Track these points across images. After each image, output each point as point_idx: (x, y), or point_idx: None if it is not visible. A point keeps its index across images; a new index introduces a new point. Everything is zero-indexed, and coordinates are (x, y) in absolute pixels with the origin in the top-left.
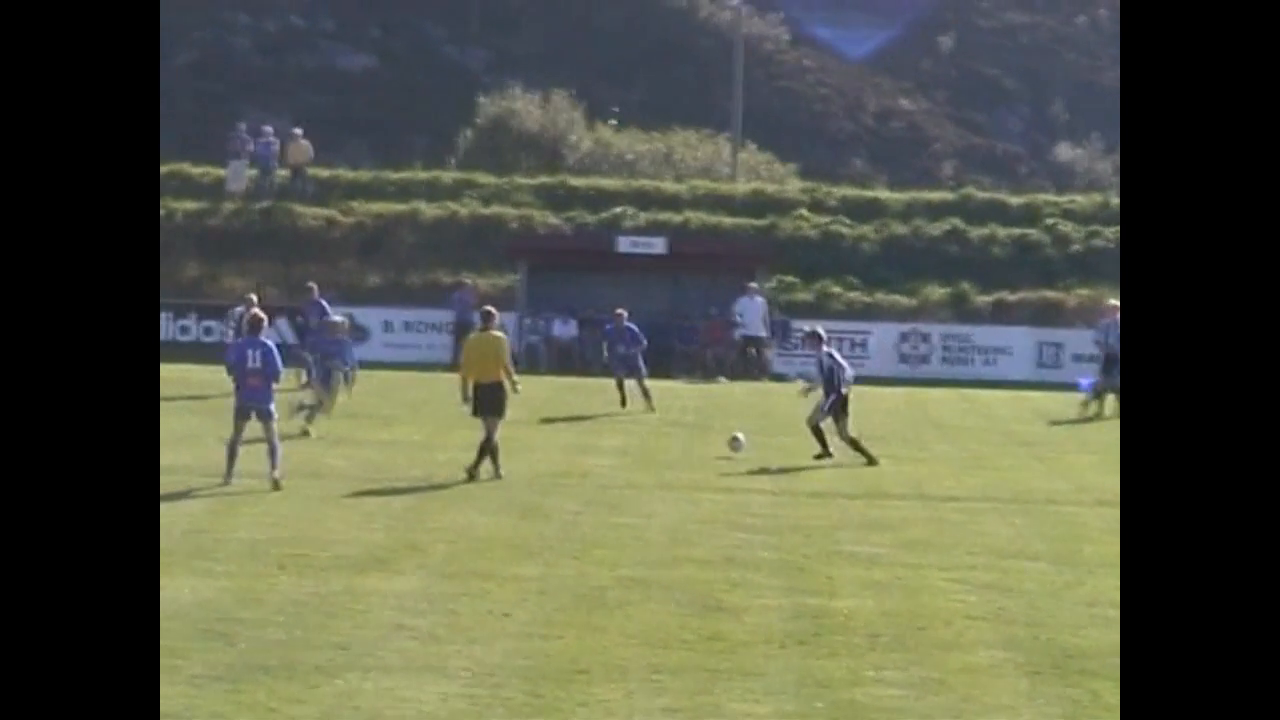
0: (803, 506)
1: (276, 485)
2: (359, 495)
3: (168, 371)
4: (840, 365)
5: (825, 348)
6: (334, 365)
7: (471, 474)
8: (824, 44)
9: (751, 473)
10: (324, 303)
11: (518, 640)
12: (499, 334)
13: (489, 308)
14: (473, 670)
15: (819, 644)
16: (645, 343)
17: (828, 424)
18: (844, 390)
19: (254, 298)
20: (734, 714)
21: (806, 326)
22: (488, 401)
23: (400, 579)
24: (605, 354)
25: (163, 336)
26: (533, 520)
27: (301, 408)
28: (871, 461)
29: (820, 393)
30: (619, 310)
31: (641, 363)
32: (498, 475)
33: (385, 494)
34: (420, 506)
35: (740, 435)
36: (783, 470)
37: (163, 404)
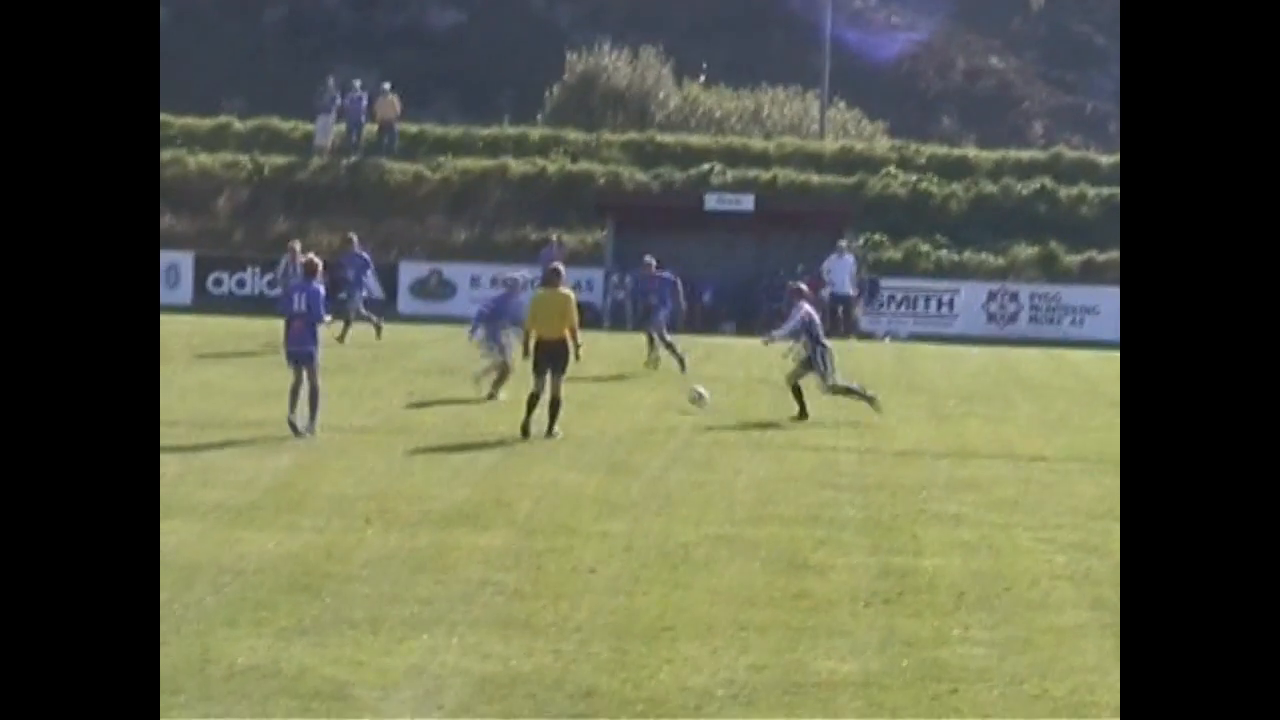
0: (889, 465)
1: (310, 433)
2: (446, 451)
3: (255, 326)
4: (814, 320)
5: (805, 305)
6: (503, 325)
7: (525, 430)
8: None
9: (838, 431)
10: (365, 254)
11: (603, 596)
12: (567, 291)
13: (557, 264)
14: (558, 626)
15: (904, 603)
16: (679, 301)
17: (808, 381)
18: (825, 342)
19: (298, 245)
20: (819, 671)
21: (792, 282)
22: (550, 358)
23: (487, 534)
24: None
25: (250, 292)
26: (619, 476)
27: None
28: (872, 403)
29: (802, 350)
30: (647, 259)
31: (662, 317)
32: (550, 433)
33: (472, 449)
34: (507, 462)
35: (702, 389)
36: (870, 428)
37: (252, 359)
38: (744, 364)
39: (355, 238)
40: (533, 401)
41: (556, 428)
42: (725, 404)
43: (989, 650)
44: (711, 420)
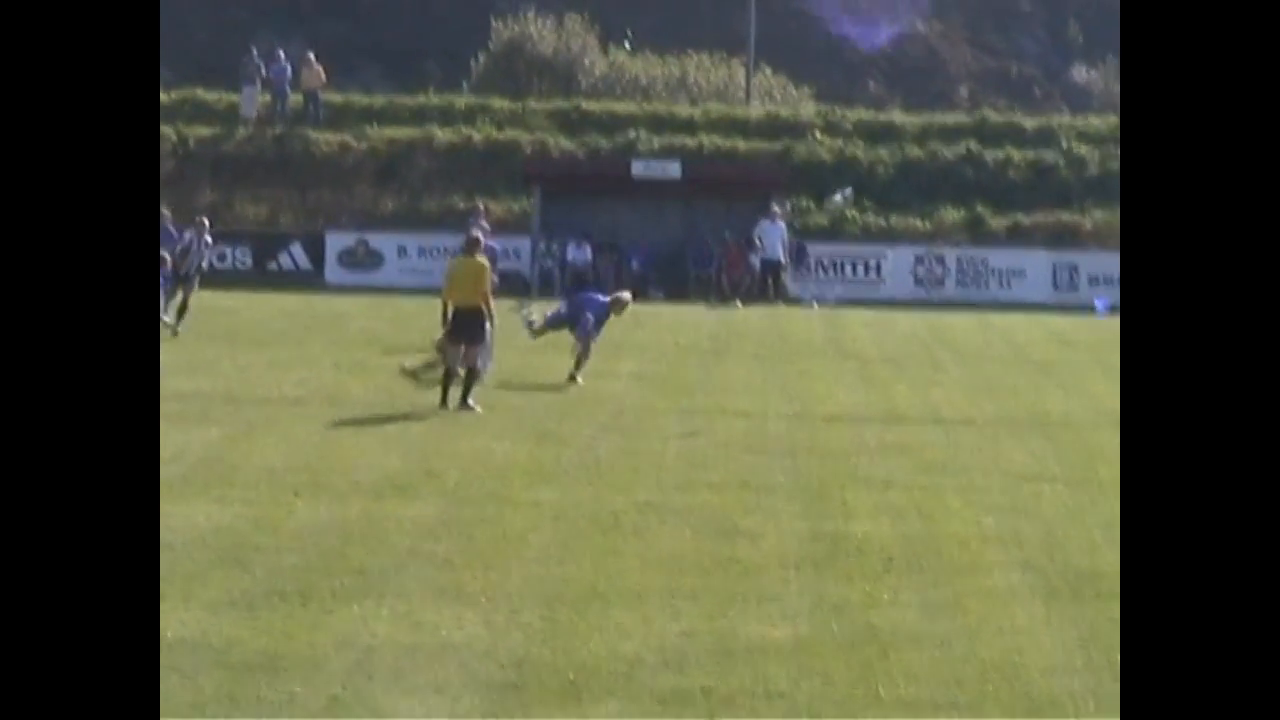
0: (819, 430)
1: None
2: (376, 422)
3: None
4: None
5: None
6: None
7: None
8: None
9: (767, 396)
10: (173, 228)
11: (534, 565)
12: (482, 260)
13: (476, 233)
14: (489, 595)
15: (835, 567)
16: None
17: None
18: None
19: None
20: (750, 637)
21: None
22: (464, 327)
23: (417, 504)
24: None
25: None
26: (549, 445)
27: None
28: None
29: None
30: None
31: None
32: (464, 404)
33: (402, 420)
34: (437, 432)
35: (531, 313)
36: (798, 394)
37: (177, 333)
38: (673, 331)
39: (168, 212)
40: (448, 377)
41: (471, 400)
42: (654, 371)
43: (919, 614)
44: (640, 388)
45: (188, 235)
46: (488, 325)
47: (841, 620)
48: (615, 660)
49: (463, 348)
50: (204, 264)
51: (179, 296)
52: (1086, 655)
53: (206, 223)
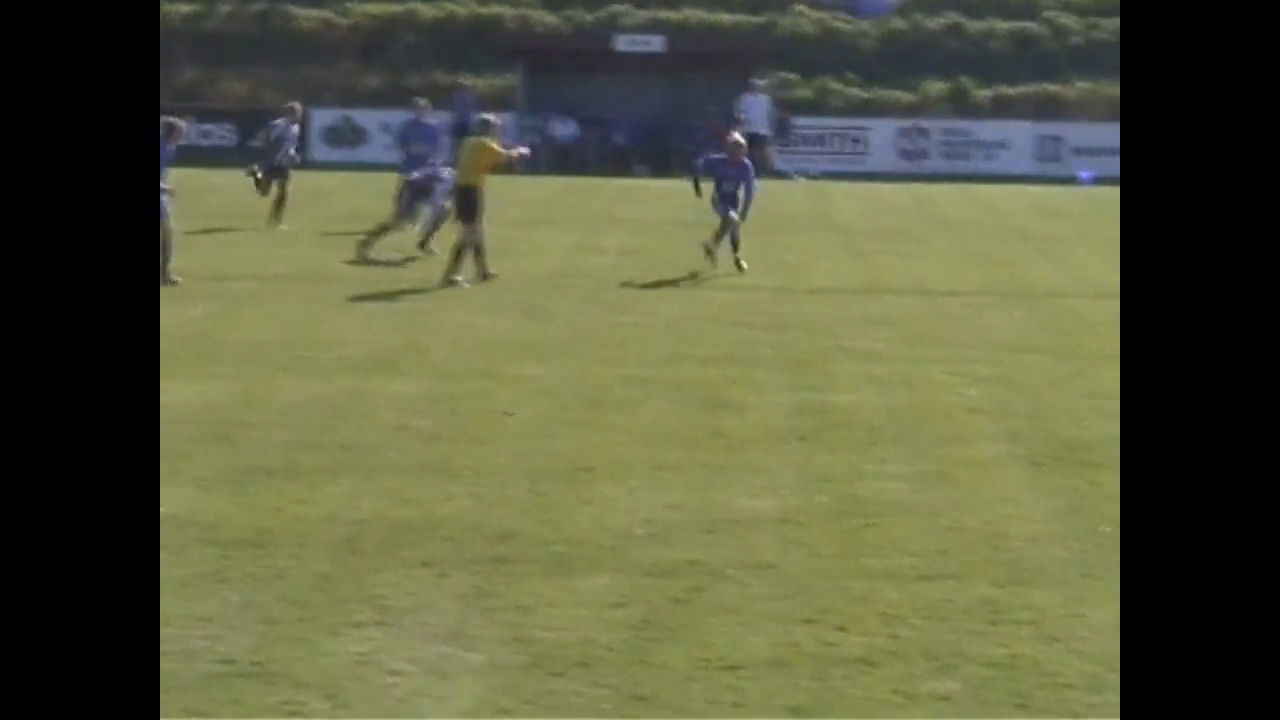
0: (804, 303)
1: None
2: (361, 299)
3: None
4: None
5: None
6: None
7: (449, 279)
8: None
9: (752, 270)
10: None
11: (521, 439)
12: (479, 140)
13: (486, 116)
14: (476, 470)
15: (821, 439)
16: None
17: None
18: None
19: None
20: (737, 509)
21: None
22: (458, 205)
23: (403, 380)
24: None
25: None
26: (535, 320)
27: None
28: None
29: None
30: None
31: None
32: (450, 281)
33: (387, 297)
34: (422, 309)
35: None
36: (784, 267)
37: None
38: (658, 205)
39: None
40: (460, 248)
41: (457, 275)
42: (639, 245)
43: (906, 484)
44: (625, 263)
45: (280, 122)
46: (439, 187)
47: (828, 492)
48: (602, 533)
49: (463, 225)
50: (294, 153)
51: (274, 190)
52: (1072, 524)
53: (298, 109)
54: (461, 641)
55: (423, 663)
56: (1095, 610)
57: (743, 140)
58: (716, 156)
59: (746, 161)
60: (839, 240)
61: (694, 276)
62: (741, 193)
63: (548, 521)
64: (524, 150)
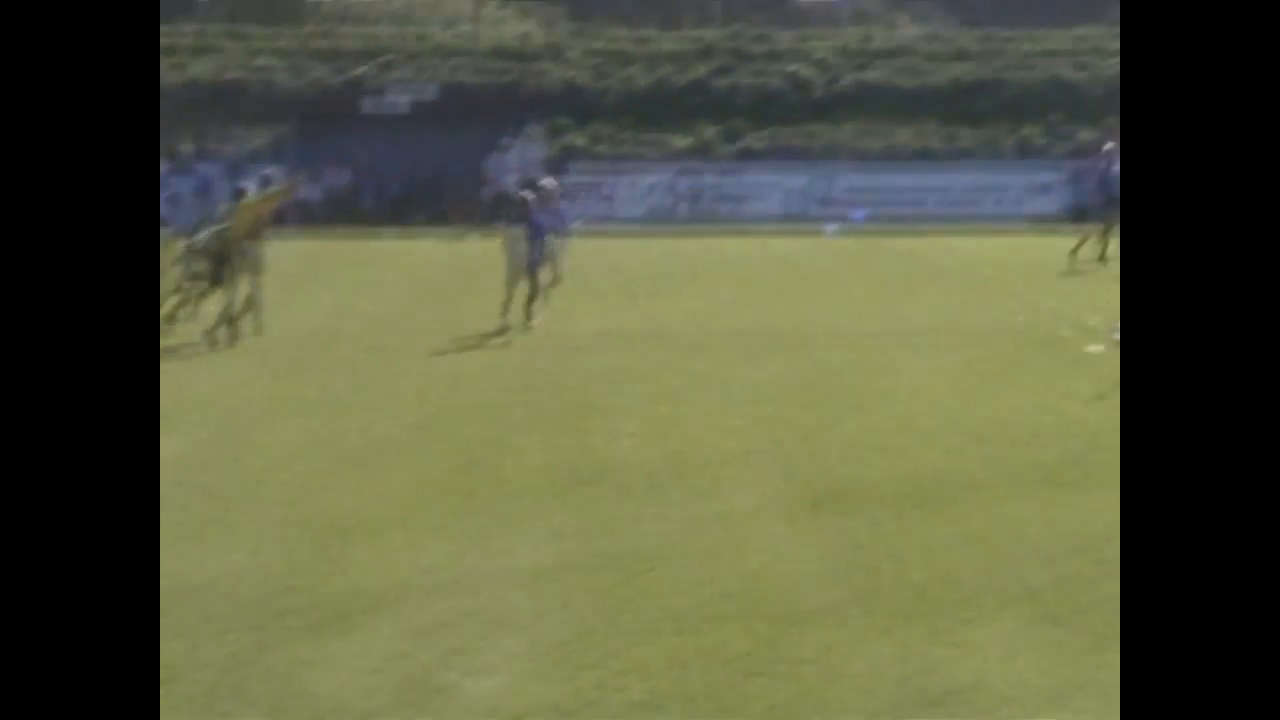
0: (560, 358)
1: None
2: None
3: None
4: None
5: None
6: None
7: (225, 335)
8: None
9: (508, 328)
10: None
11: (280, 502)
12: (260, 197)
13: (268, 171)
14: (240, 531)
15: (579, 494)
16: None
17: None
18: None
19: None
20: (497, 566)
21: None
22: (228, 265)
23: (174, 439)
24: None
25: None
26: (288, 382)
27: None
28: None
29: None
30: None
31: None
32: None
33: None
34: (188, 368)
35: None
36: (541, 322)
37: None
38: (421, 260)
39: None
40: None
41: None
42: (400, 305)
43: (663, 537)
44: (377, 325)
45: None
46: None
47: (587, 546)
48: (360, 596)
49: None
50: None
51: None
52: (833, 567)
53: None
54: (238, 700)
55: None
56: (853, 658)
57: (554, 185)
58: (526, 200)
59: (561, 208)
60: (596, 293)
61: (487, 337)
62: (549, 244)
63: (322, 577)
64: (288, 188)
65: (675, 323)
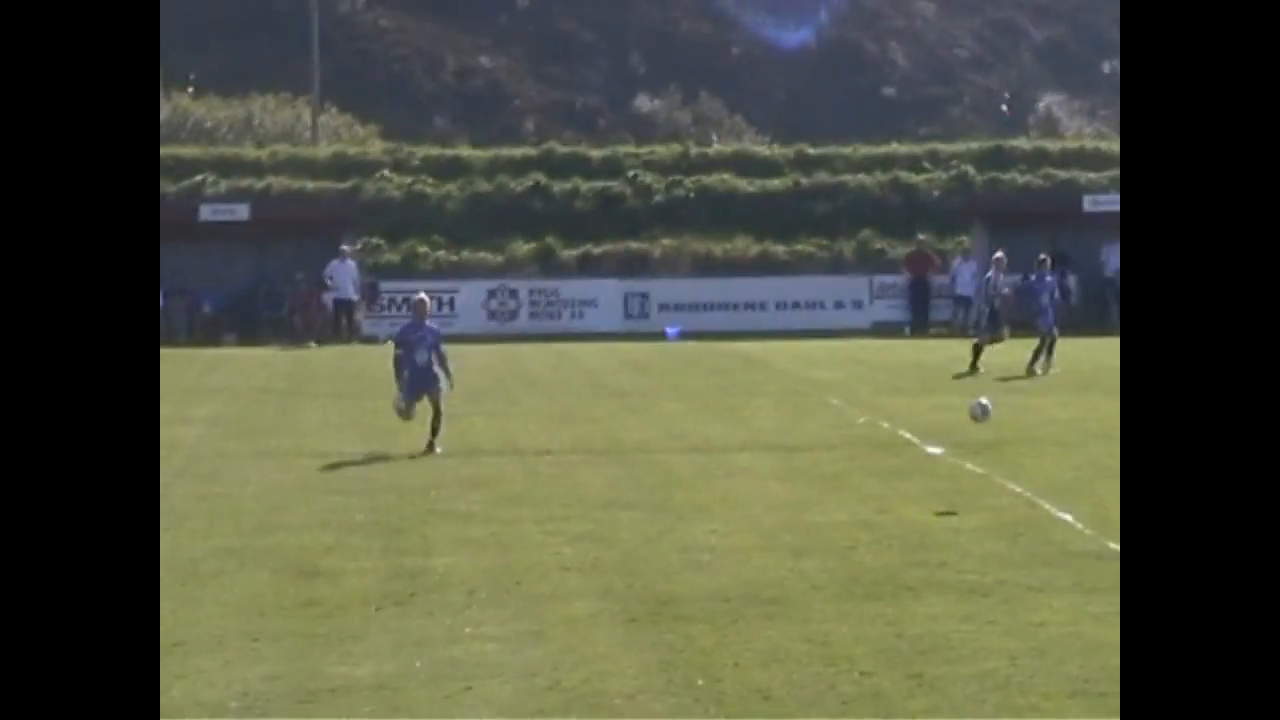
0: (398, 467)
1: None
2: None
3: None
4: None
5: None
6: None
7: None
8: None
9: (343, 435)
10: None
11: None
12: None
13: None
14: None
15: (416, 603)
16: None
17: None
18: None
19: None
20: (333, 677)
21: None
22: None
23: None
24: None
25: None
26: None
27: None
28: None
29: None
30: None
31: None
32: None
33: None
34: None
35: (984, 401)
36: (376, 431)
37: None
38: (246, 374)
39: None
40: None
41: None
42: (229, 415)
43: (501, 645)
44: (215, 432)
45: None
46: None
47: (424, 656)
48: (197, 707)
49: None
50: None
51: None
52: (668, 678)
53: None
54: None
55: None
56: None
57: (424, 298)
58: (425, 303)
59: (431, 324)
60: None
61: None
62: (435, 360)
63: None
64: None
65: (518, 427)
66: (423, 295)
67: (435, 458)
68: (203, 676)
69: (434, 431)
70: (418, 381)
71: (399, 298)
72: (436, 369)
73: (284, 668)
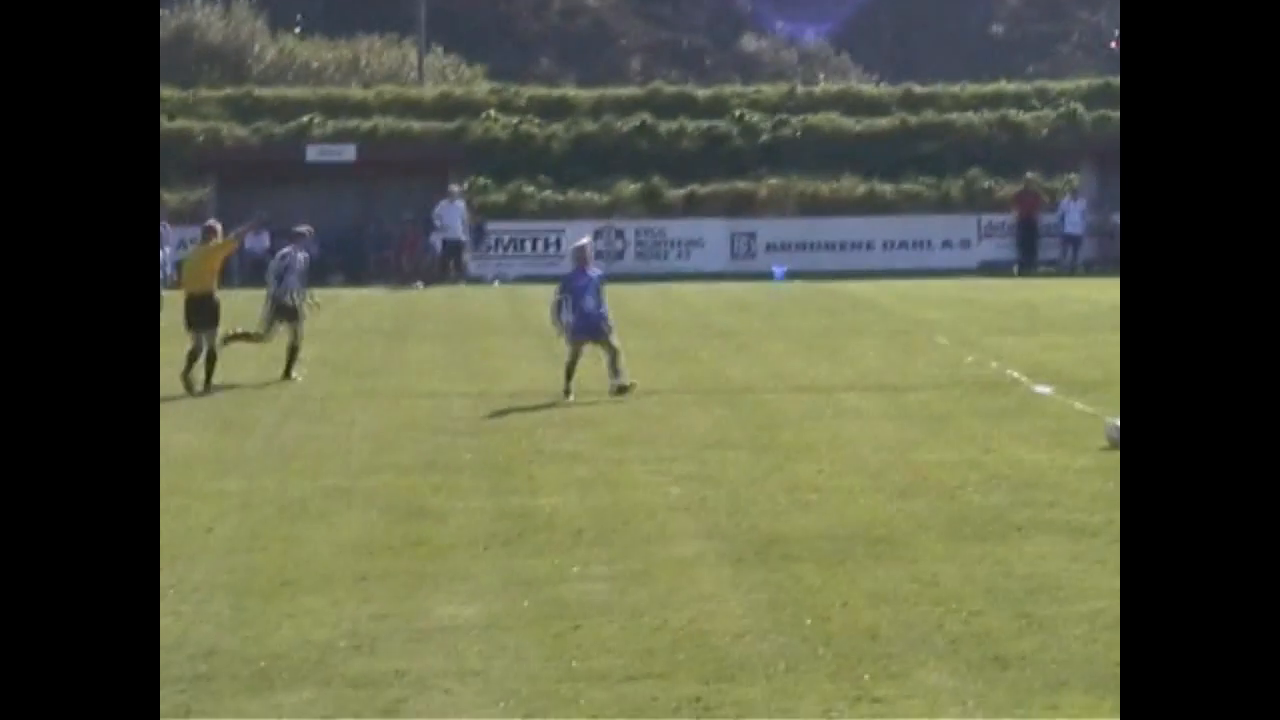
0: (503, 406)
1: None
2: None
3: None
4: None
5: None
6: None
7: (187, 384)
8: None
9: (451, 376)
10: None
11: (222, 555)
12: (216, 244)
13: (210, 222)
14: (176, 588)
15: (523, 543)
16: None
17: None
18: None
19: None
20: (442, 617)
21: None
22: (194, 313)
23: None
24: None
25: None
26: (233, 434)
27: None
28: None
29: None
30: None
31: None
32: (206, 388)
33: None
34: None
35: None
36: (483, 372)
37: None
38: (353, 314)
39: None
40: (193, 356)
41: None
42: (336, 355)
43: (609, 585)
44: (323, 373)
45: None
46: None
47: (532, 595)
48: (306, 647)
49: (201, 333)
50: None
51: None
52: (775, 618)
53: (308, 232)
54: None
55: None
56: (800, 704)
57: (586, 244)
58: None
59: (593, 270)
60: (537, 343)
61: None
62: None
63: (250, 637)
64: (249, 227)
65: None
66: (585, 241)
67: (563, 402)
68: (311, 615)
69: (615, 372)
70: (587, 327)
71: (505, 238)
72: (605, 311)
73: (392, 607)
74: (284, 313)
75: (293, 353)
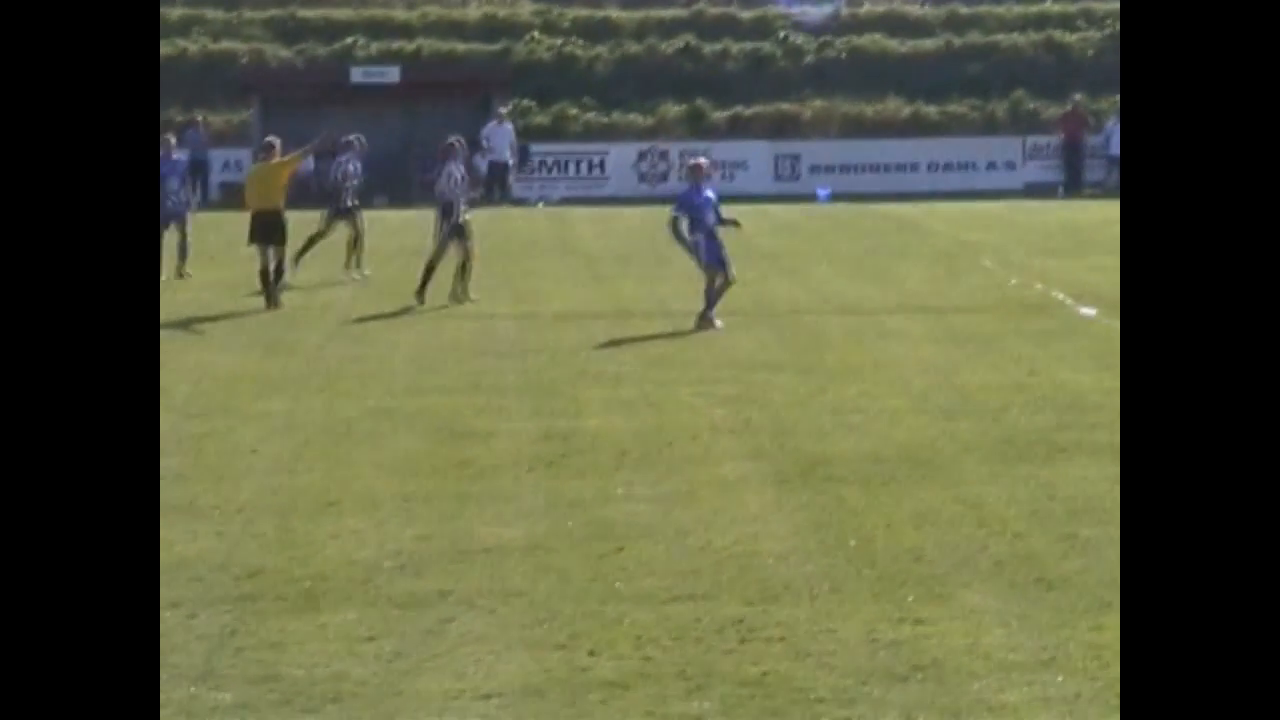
0: (548, 328)
1: None
2: None
3: None
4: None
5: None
6: None
7: (270, 300)
8: None
9: (495, 297)
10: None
11: (266, 476)
12: (279, 160)
13: (270, 139)
14: (221, 508)
15: (567, 464)
16: None
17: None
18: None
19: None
20: (486, 538)
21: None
22: (262, 229)
23: None
24: None
25: None
26: (277, 355)
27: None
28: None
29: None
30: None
31: None
32: (272, 304)
33: None
34: (163, 347)
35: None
36: (527, 294)
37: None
38: (397, 235)
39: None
40: (265, 274)
41: (281, 300)
42: (380, 277)
43: (653, 506)
44: (366, 294)
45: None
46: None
47: (576, 517)
48: (351, 566)
49: (268, 249)
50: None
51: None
52: (819, 539)
53: (359, 143)
54: (211, 681)
55: (172, 704)
56: (844, 625)
57: (703, 162)
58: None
59: (709, 190)
60: (581, 265)
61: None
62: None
63: (295, 557)
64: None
65: (669, 290)
66: (702, 159)
67: (581, 320)
68: (356, 536)
69: (713, 304)
70: (721, 257)
71: (549, 160)
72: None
73: (436, 528)
74: (343, 214)
75: (355, 244)
